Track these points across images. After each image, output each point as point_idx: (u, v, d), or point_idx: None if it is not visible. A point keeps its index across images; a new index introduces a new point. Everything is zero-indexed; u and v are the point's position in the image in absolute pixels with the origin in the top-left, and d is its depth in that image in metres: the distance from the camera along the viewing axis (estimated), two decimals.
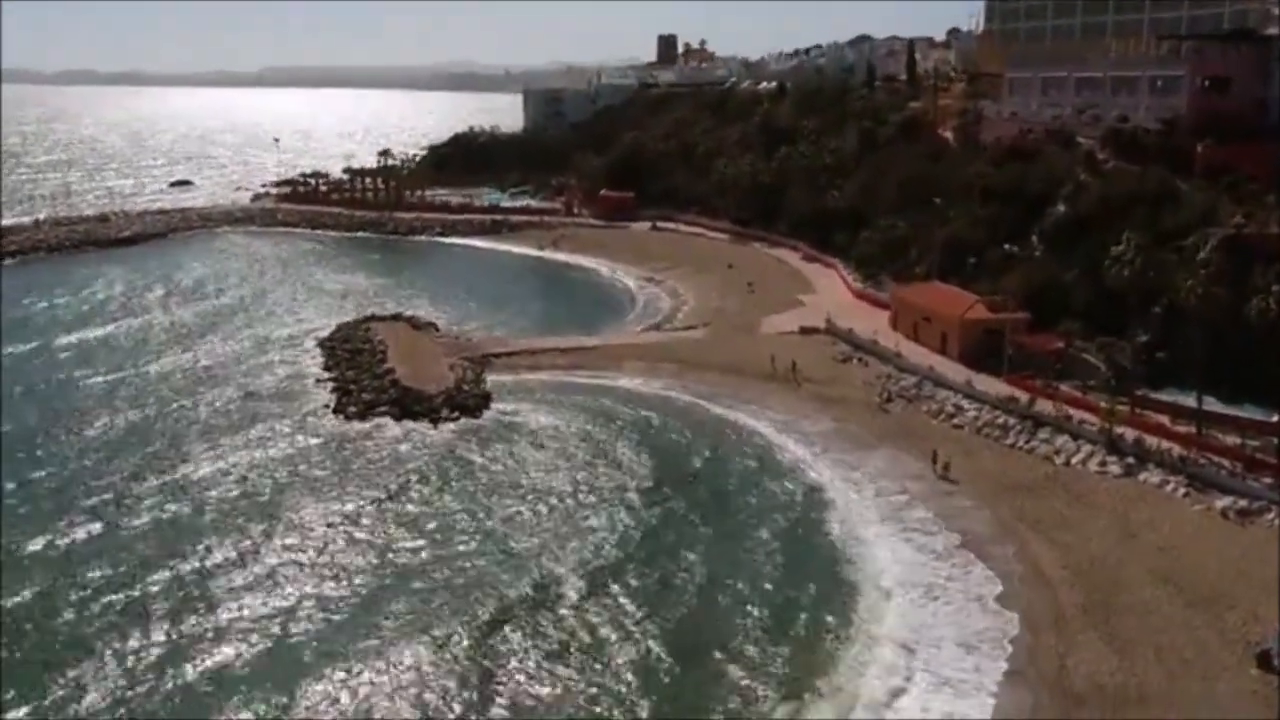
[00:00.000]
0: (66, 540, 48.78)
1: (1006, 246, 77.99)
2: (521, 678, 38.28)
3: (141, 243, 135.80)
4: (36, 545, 48.13)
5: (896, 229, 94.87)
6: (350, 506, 52.64)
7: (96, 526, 50.15)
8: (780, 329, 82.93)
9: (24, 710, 36.30)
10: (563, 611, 42.78)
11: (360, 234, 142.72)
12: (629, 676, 38.35)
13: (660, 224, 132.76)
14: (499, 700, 37.04)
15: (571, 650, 39.94)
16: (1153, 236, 65.24)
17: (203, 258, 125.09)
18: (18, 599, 43.27)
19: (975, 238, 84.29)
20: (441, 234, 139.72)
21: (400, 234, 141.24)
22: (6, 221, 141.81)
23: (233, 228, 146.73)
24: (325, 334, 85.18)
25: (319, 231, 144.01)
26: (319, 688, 37.61)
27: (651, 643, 40.47)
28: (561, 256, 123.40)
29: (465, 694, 37.34)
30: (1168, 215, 70.26)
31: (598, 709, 36.61)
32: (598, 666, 38.91)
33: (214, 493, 54.41)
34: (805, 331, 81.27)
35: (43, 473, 56.98)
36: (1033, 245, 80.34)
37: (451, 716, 36.29)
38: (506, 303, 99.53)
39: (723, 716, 36.40)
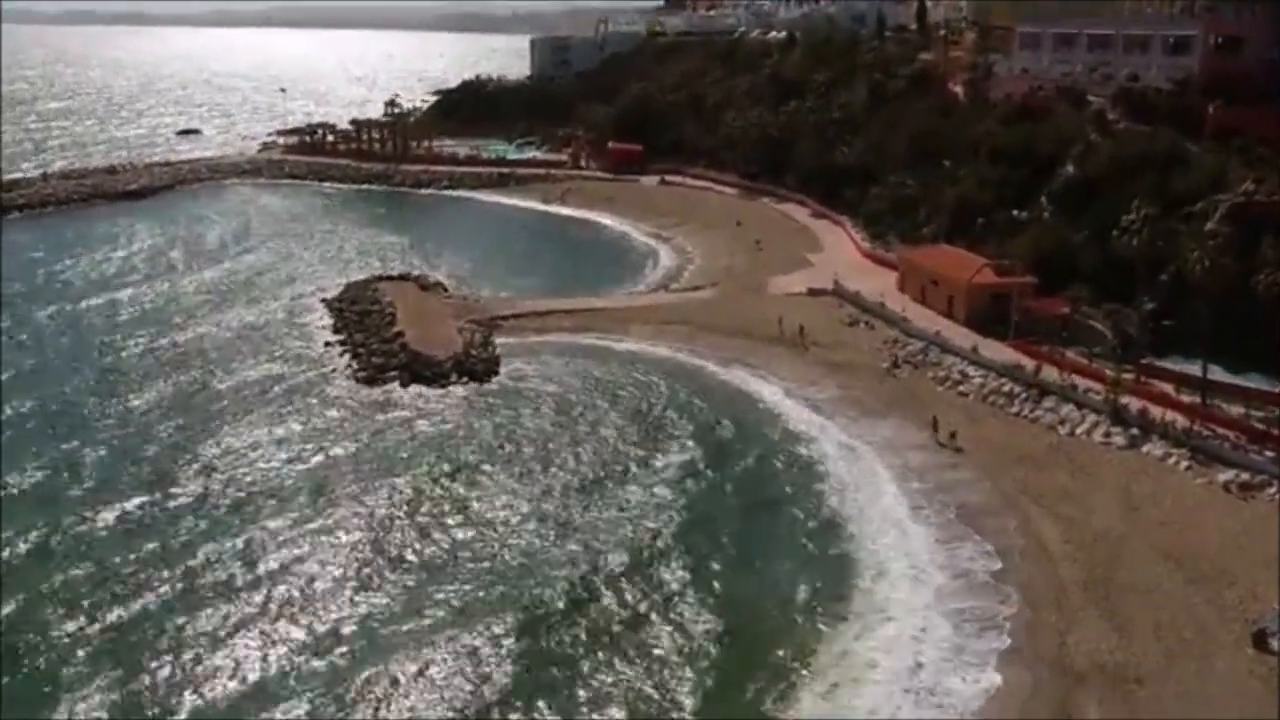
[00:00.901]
0: (111, 515, 49.35)
1: (1015, 213, 77.66)
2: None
3: (150, 196, 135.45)
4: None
5: (905, 187, 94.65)
6: (371, 482, 52.77)
7: (133, 504, 50.47)
8: (788, 290, 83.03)
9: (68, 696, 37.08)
10: (567, 586, 43.52)
11: (367, 186, 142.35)
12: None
13: (669, 178, 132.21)
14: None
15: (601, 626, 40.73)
16: (1162, 203, 65.06)
17: (210, 212, 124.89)
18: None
19: (984, 198, 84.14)
20: (449, 187, 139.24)
21: (407, 187, 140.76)
22: (16, 175, 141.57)
23: (240, 180, 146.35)
24: (333, 294, 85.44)
25: (326, 184, 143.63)
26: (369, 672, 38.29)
27: (645, 605, 41.30)
28: (569, 211, 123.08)
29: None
30: (1177, 178, 70.06)
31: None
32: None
33: (227, 468, 54.63)
34: (813, 293, 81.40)
35: (76, 443, 57.34)
36: (1041, 206, 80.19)
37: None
38: (514, 260, 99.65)
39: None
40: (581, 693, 37.14)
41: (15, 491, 51.25)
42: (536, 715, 35.91)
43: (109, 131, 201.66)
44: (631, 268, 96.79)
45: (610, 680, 37.72)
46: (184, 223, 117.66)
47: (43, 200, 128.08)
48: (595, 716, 35.85)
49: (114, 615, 41.29)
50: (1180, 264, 58.42)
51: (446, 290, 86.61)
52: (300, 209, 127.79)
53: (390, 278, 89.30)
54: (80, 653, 38.98)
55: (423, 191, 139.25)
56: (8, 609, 41.26)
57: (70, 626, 40.48)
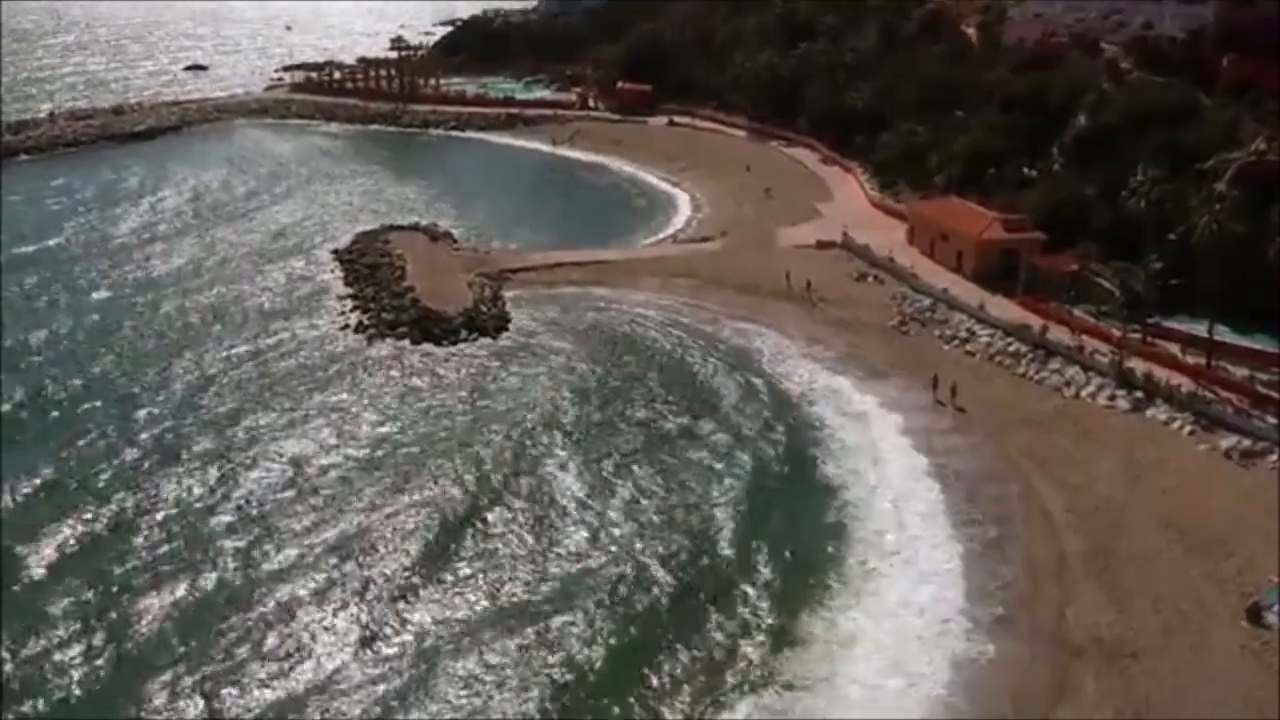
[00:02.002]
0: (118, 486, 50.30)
1: (1026, 171, 77.34)
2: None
3: (157, 137, 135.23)
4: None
5: (916, 135, 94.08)
6: (385, 448, 53.23)
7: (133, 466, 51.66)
8: (796, 242, 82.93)
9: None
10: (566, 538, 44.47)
11: (374, 127, 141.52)
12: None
13: (677, 119, 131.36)
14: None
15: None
16: (1172, 160, 64.85)
17: (217, 156, 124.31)
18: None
19: (995, 148, 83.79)
20: (456, 128, 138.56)
21: (415, 128, 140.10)
22: (23, 115, 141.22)
23: (247, 120, 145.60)
24: (343, 245, 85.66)
25: (333, 125, 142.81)
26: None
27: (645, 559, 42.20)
28: (577, 154, 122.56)
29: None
30: (1189, 133, 69.72)
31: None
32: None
33: (235, 424, 55.51)
34: (821, 246, 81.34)
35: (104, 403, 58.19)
36: (1053, 157, 79.91)
37: None
38: (522, 208, 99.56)
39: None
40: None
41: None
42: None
43: (116, 68, 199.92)
44: (639, 216, 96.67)
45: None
46: (191, 168, 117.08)
47: (50, 143, 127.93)
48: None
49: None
50: (1188, 227, 58.21)
51: (455, 241, 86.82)
52: (308, 152, 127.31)
53: (399, 228, 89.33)
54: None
55: (431, 133, 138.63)
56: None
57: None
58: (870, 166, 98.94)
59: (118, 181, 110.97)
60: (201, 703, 35.53)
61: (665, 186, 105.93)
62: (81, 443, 52.96)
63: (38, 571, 42.48)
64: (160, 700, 35.76)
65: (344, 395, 58.78)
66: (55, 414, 56.54)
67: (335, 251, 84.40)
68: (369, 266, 78.63)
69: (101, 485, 48.80)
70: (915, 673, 37.03)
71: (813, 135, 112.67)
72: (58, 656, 37.74)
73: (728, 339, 66.38)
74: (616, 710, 35.66)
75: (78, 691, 36.19)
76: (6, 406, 56.75)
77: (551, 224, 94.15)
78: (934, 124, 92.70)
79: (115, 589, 41.51)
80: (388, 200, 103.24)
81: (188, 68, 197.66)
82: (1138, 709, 34.73)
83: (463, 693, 36.05)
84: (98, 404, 57.52)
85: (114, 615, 39.97)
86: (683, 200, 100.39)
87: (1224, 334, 57.44)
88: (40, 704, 35.57)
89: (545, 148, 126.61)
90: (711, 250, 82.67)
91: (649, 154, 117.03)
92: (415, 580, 42.11)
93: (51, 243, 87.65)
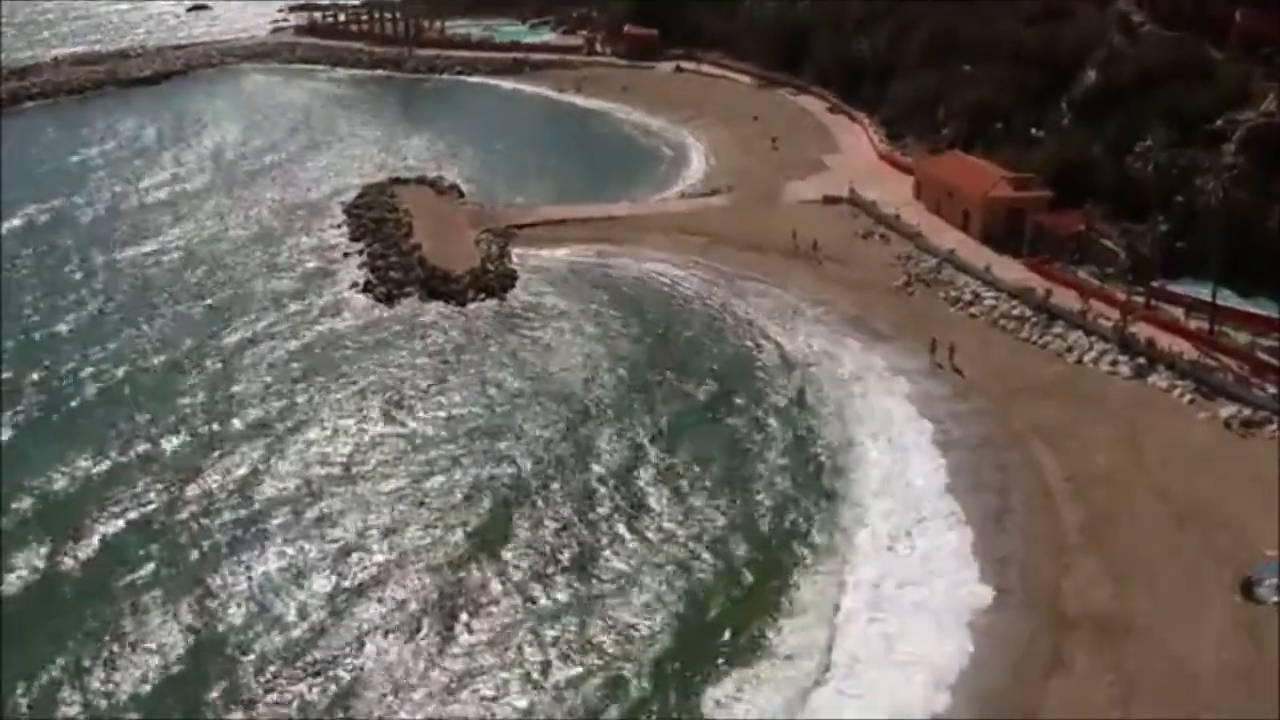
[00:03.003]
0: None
1: (1034, 131, 76.89)
2: None
3: (162, 82, 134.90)
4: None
5: (924, 86, 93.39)
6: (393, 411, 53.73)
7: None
8: (803, 197, 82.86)
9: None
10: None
11: (380, 72, 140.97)
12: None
13: (684, 65, 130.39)
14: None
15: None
16: (1181, 120, 64.54)
17: (223, 103, 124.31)
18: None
19: (1003, 102, 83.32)
20: (462, 73, 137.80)
21: (421, 73, 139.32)
22: (26, 60, 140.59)
23: (252, 64, 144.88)
24: (350, 198, 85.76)
25: (338, 70, 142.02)
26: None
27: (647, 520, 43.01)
28: (583, 101, 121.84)
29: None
30: (1199, 91, 69.18)
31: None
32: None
33: (242, 385, 56.38)
34: (828, 201, 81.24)
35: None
36: (1061, 113, 79.42)
37: None
38: (529, 159, 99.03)
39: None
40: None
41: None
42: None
43: (120, 8, 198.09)
44: (646, 168, 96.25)
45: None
46: (197, 118, 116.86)
47: (55, 89, 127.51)
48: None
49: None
50: (1195, 192, 58.18)
51: (462, 195, 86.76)
52: (313, 99, 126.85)
53: (405, 181, 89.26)
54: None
55: (437, 77, 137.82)
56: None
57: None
58: (878, 117, 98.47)
59: (125, 132, 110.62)
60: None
61: (672, 137, 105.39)
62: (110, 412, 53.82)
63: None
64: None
65: (353, 362, 58.97)
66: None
67: (342, 205, 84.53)
68: (375, 221, 78.79)
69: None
70: (907, 645, 37.70)
71: (820, 84, 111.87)
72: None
73: (734, 300, 66.52)
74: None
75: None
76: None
77: (558, 175, 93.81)
78: (942, 75, 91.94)
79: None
80: (394, 150, 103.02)
81: (191, 8, 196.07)
82: (1130, 684, 35.53)
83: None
84: (121, 371, 57.99)
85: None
86: (690, 151, 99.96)
87: (1228, 298, 57.58)
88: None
89: (552, 94, 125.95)
90: (718, 205, 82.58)
91: (656, 102, 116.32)
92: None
93: (64, 200, 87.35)
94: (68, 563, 42.08)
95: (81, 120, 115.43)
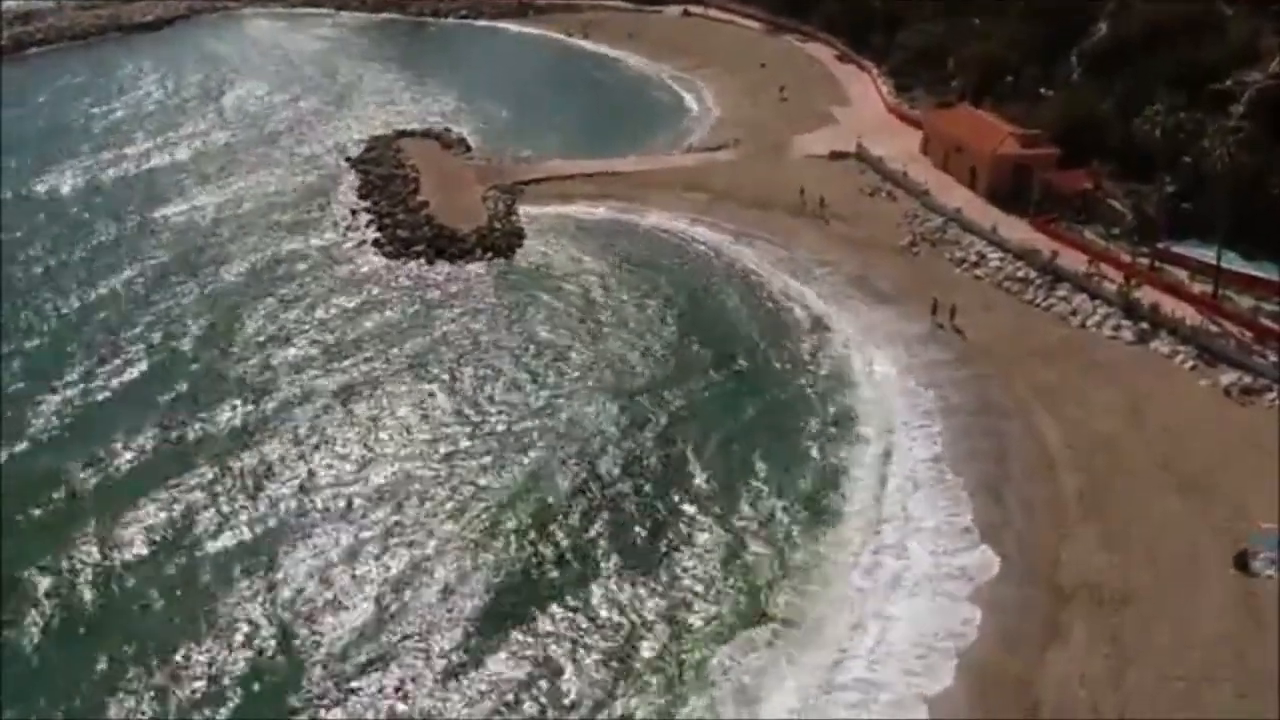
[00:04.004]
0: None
1: (1042, 91, 76.41)
2: None
3: (165, 27, 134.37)
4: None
5: (934, 37, 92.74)
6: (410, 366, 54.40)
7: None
8: (810, 151, 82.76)
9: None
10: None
11: (385, 15, 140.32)
12: None
13: (691, 9, 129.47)
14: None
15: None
16: (1189, 78, 64.22)
17: (226, 49, 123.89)
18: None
19: (1013, 55, 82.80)
20: (467, 16, 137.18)
21: (426, 15, 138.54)
22: (26, 5, 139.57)
23: (255, 9, 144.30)
24: (357, 152, 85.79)
25: (343, 13, 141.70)
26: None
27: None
28: (591, 46, 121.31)
29: None
30: (1208, 47, 68.73)
31: None
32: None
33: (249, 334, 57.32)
34: (835, 156, 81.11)
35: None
36: (1071, 67, 78.95)
37: None
38: (535, 106, 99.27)
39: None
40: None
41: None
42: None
43: None
44: (653, 119, 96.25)
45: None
46: (202, 64, 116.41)
47: (59, 34, 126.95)
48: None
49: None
50: (1202, 153, 58.08)
51: (469, 148, 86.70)
52: (318, 45, 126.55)
53: (412, 134, 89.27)
54: None
55: (442, 21, 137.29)
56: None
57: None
58: (886, 67, 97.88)
59: (130, 80, 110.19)
60: None
61: (679, 86, 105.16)
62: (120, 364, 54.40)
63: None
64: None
65: (370, 327, 58.99)
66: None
67: (349, 159, 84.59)
68: (383, 178, 78.93)
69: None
70: (904, 615, 38.45)
71: (829, 31, 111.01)
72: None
73: (740, 260, 66.92)
74: None
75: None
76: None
77: (564, 125, 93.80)
78: (952, 26, 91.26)
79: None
80: (400, 99, 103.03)
81: None
82: (1124, 656, 36.35)
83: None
84: (135, 330, 58.27)
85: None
86: (697, 101, 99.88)
87: (1231, 260, 57.76)
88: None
89: (558, 37, 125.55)
90: (725, 160, 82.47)
91: (663, 48, 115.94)
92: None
93: (77, 155, 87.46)
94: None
95: (87, 68, 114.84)
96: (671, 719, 34.41)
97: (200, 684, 35.37)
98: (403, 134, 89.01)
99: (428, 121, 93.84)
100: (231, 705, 34.65)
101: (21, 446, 47.44)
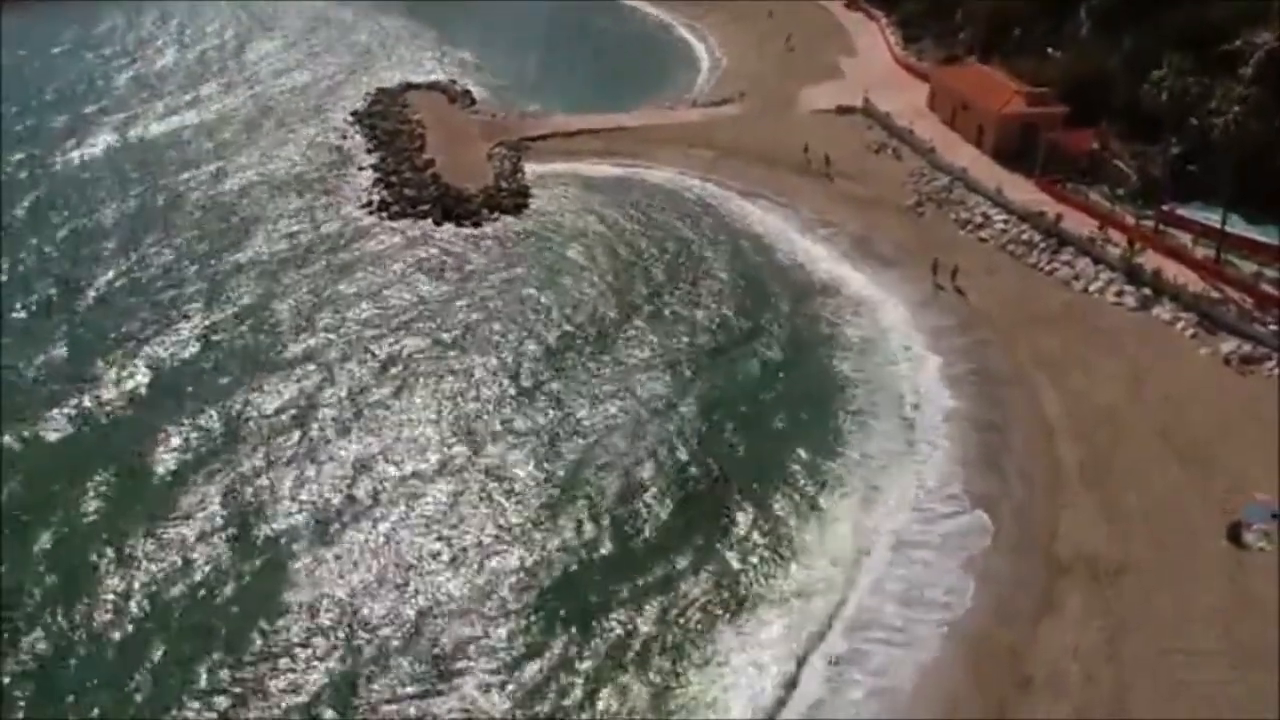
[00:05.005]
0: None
1: (1050, 51, 75.80)
2: None
3: None
4: None
5: None
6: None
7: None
8: (817, 106, 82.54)
9: None
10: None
11: None
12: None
13: None
14: None
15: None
16: (1197, 40, 63.76)
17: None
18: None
19: (1022, 8, 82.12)
20: None
21: None
22: None
23: None
24: (363, 105, 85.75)
25: None
26: None
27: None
28: None
29: None
30: (1219, 4, 68.07)
31: None
32: None
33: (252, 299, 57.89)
34: (841, 110, 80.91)
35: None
36: (1080, 22, 78.33)
37: None
38: (538, 54, 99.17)
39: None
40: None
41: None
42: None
43: None
44: (659, 70, 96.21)
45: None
46: (198, 15, 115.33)
47: None
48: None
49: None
50: (1208, 115, 57.96)
51: (474, 102, 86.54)
52: None
53: (417, 86, 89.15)
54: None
55: None
56: None
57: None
58: (895, 16, 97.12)
59: (135, 32, 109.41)
60: None
61: (686, 34, 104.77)
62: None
63: None
64: None
65: (372, 285, 59.58)
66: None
67: (355, 113, 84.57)
68: (389, 133, 79.08)
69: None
70: (899, 587, 39.08)
71: None
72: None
73: (745, 219, 67.25)
74: None
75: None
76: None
77: (568, 77, 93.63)
78: None
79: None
80: (404, 46, 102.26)
81: None
82: (1117, 628, 37.17)
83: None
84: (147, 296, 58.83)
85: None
86: (703, 52, 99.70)
87: (1235, 223, 57.83)
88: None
89: None
90: (731, 115, 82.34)
91: None
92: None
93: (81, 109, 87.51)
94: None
95: (76, 21, 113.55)
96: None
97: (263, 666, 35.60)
98: (408, 86, 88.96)
99: (432, 69, 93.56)
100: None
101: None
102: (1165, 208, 60.82)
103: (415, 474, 44.35)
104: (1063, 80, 71.78)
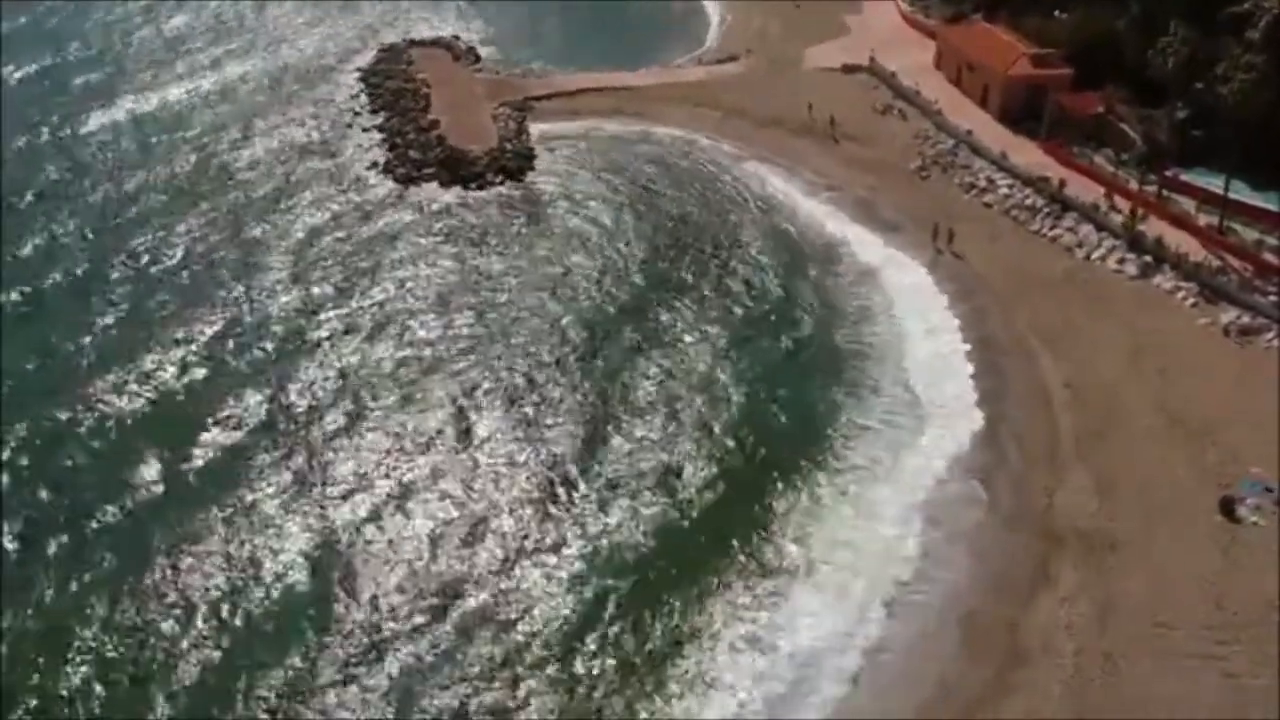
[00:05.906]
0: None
1: (1056, 12, 75.20)
2: None
3: None
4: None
5: None
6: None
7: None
8: (822, 64, 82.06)
9: None
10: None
11: None
12: None
13: None
14: None
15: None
16: (1206, 5, 63.36)
17: None
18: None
19: None
20: None
21: None
22: None
23: None
24: (367, 62, 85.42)
25: None
26: None
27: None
28: None
29: None
30: None
31: None
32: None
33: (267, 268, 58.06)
34: (847, 69, 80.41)
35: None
36: None
37: None
38: (544, 12, 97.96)
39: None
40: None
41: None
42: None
43: None
44: (662, 26, 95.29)
45: None
46: None
47: None
48: None
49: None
50: (1214, 81, 57.81)
51: (478, 60, 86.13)
52: None
53: (422, 43, 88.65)
54: None
55: None
56: None
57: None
58: None
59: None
60: None
61: None
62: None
63: None
64: None
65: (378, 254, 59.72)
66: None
67: (360, 70, 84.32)
68: (394, 93, 78.72)
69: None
70: (897, 561, 39.74)
71: None
72: None
73: (749, 182, 67.16)
74: None
75: None
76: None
77: (572, 31, 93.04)
78: None
79: None
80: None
81: None
82: (1110, 601, 37.88)
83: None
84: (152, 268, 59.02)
85: None
86: (708, 7, 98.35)
87: (1239, 189, 57.86)
88: None
89: None
90: (735, 74, 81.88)
91: None
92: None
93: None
94: None
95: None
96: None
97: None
98: (412, 43, 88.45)
99: (436, 26, 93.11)
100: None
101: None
102: (1169, 173, 60.82)
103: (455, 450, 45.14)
104: (1069, 41, 71.38)
